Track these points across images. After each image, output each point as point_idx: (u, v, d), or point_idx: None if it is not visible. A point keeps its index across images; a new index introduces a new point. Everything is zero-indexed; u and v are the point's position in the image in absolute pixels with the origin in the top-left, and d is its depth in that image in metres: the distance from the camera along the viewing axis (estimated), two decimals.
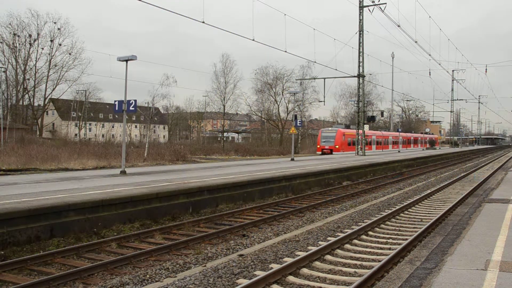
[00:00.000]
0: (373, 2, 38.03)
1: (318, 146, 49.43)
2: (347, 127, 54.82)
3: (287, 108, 68.41)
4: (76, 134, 72.69)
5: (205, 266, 8.20)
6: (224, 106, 66.44)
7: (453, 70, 78.51)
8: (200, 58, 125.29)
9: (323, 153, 47.00)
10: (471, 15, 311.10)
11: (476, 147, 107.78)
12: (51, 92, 63.40)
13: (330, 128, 52.55)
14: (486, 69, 65.37)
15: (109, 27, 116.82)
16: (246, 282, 7.01)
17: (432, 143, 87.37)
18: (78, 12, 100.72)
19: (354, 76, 41.71)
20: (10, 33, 56.86)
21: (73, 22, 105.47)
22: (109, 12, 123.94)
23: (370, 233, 11.23)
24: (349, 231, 10.78)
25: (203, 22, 20.55)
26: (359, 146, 43.48)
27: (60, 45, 59.51)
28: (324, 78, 41.90)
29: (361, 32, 39.98)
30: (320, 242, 10.06)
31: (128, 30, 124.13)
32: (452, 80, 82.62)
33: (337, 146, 47.42)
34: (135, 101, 18.74)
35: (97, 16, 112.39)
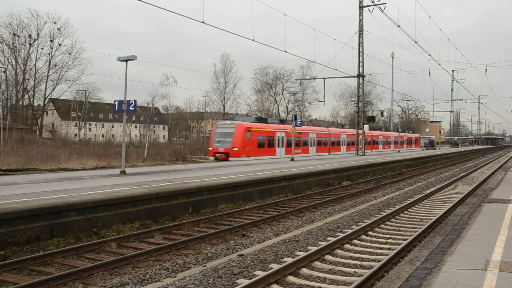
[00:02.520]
0: (373, 2, 38.06)
1: (210, 149, 33.54)
2: (261, 120, 38.42)
3: (287, 108, 68.48)
4: (76, 134, 72.69)
5: (205, 266, 8.20)
6: (224, 106, 66.53)
7: (453, 70, 78.65)
8: (199, 58, 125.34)
9: (216, 159, 31.95)
10: (471, 15, 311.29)
11: (476, 147, 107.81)
12: (51, 92, 63.42)
13: (228, 122, 35.91)
14: (486, 69, 65.38)
15: (109, 27, 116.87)
16: (246, 282, 7.01)
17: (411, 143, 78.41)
18: (77, 12, 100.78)
19: (354, 76, 41.72)
20: (10, 33, 56.87)
21: (73, 22, 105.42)
22: (109, 12, 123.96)
23: (370, 233, 11.24)
24: (349, 231, 10.78)
25: (203, 22, 20.55)
26: (359, 146, 43.40)
27: (60, 45, 59.54)
28: (324, 78, 41.92)
29: (361, 32, 39.98)
30: (320, 242, 10.06)
31: (128, 30, 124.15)
32: (452, 80, 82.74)
33: (235, 149, 31.77)
34: (135, 101, 18.75)
35: (97, 16, 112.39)
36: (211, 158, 32.97)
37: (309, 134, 42.21)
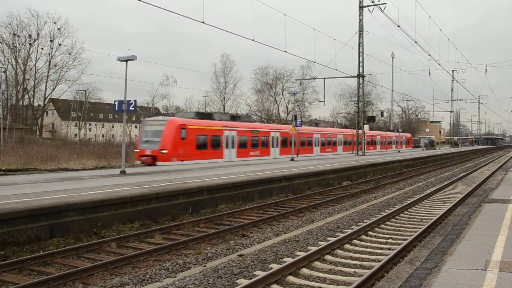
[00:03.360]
0: (373, 2, 38.05)
1: (137, 151, 27.56)
2: (204, 116, 32.10)
3: (287, 108, 68.50)
4: (76, 134, 72.68)
5: (205, 266, 8.20)
6: (224, 106, 66.56)
7: (453, 70, 78.61)
8: (199, 58, 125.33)
9: (143, 163, 26.25)
10: (471, 15, 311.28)
11: (476, 147, 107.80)
12: (51, 92, 63.42)
13: (159, 118, 30.94)
14: (486, 69, 65.30)
15: (109, 27, 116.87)
16: (246, 282, 7.01)
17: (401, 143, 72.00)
18: (77, 12, 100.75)
19: (354, 76, 41.72)
20: (10, 33, 56.88)
21: (73, 22, 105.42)
22: (109, 12, 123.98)
23: (370, 233, 11.24)
24: (349, 231, 10.78)
25: (203, 22, 20.55)
26: (359, 146, 43.37)
27: (60, 45, 59.53)
28: (324, 78, 41.91)
29: (361, 32, 39.98)
30: (320, 242, 10.06)
31: (127, 30, 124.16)
32: (452, 80, 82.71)
33: (164, 151, 25.90)
34: (135, 101, 18.76)
35: (97, 16, 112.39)
36: (138, 162, 26.91)
37: (270, 133, 36.08)
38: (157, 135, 26.51)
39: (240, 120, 35.43)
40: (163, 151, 25.94)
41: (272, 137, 36.48)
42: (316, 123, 53.28)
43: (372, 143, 58.10)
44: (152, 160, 25.89)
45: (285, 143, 38.00)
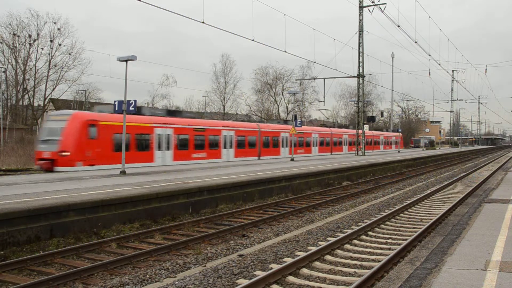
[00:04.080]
0: (373, 2, 38.06)
1: (36, 153, 23.03)
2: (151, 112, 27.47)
3: (287, 108, 68.52)
4: None
5: (205, 266, 8.21)
6: (224, 106, 66.57)
7: (453, 70, 78.64)
8: (199, 58, 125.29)
9: (41, 169, 21.49)
10: (470, 15, 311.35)
11: (476, 147, 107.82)
12: (51, 92, 63.40)
13: (62, 112, 25.61)
14: (485, 69, 65.34)
15: (109, 27, 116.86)
16: (246, 282, 7.01)
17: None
18: (77, 12, 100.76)
19: (354, 76, 41.73)
20: (10, 33, 56.86)
21: (73, 22, 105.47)
22: (109, 12, 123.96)
23: (370, 233, 11.24)
24: (349, 231, 10.78)
25: (203, 22, 20.56)
26: (359, 146, 43.36)
27: (60, 45, 59.46)
28: (324, 78, 41.92)
29: (361, 32, 40.00)
30: (320, 242, 10.06)
31: (127, 30, 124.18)
32: (452, 80, 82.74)
33: (65, 153, 21.06)
34: (135, 101, 18.78)
35: (97, 16, 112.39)
36: (37, 167, 22.17)
37: (221, 132, 31.03)
38: (56, 134, 21.40)
39: (181, 115, 29.97)
40: (64, 154, 20.92)
41: (225, 136, 31.21)
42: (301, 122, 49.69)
43: (353, 143, 51.22)
44: (50, 164, 20.97)
45: (242, 144, 32.45)
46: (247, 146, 33.44)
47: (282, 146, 38.16)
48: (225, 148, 31.18)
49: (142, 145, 24.64)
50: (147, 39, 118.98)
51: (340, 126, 61.50)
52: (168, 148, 26.12)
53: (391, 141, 67.81)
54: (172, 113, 29.96)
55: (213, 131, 30.24)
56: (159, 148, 25.62)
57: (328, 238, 10.47)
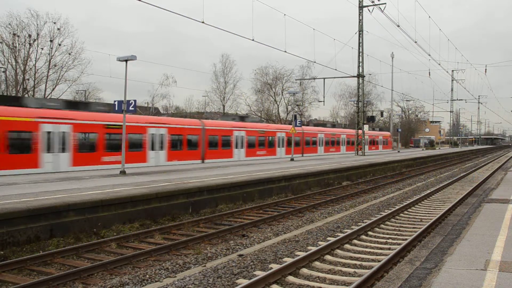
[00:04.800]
0: (372, 2, 38.07)
1: None
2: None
3: (287, 108, 68.45)
4: None
5: (204, 266, 8.21)
6: (223, 106, 66.55)
7: (452, 70, 78.67)
8: (199, 58, 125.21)
9: None
10: (470, 15, 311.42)
11: (475, 147, 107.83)
12: (51, 92, 63.37)
13: None
14: (485, 69, 65.34)
15: (108, 27, 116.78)
16: (245, 282, 7.01)
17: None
18: (77, 12, 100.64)
19: (354, 76, 41.73)
20: (10, 33, 56.84)
21: (72, 22, 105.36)
22: (109, 12, 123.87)
23: (370, 233, 11.24)
24: (349, 231, 10.78)
25: (203, 22, 20.55)
26: (358, 146, 43.31)
27: (59, 45, 59.41)
28: (324, 78, 41.90)
29: (360, 32, 40.01)
30: (319, 242, 10.06)
31: (127, 30, 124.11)
32: (452, 80, 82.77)
33: None
34: (135, 101, 18.79)
35: (97, 16, 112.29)
36: None
37: (159, 129, 25.58)
38: None
39: (87, 108, 23.68)
40: None
41: (150, 135, 25.18)
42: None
43: (336, 143, 46.15)
44: None
45: (152, 143, 25.24)
46: (181, 146, 27.73)
47: (236, 147, 32.65)
48: (148, 148, 25.01)
49: (22, 147, 19.44)
50: (147, 39, 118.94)
51: (317, 125, 52.88)
52: (63, 150, 20.76)
53: (378, 140, 61.07)
54: (74, 105, 23.84)
55: (135, 128, 24.09)
56: (49, 150, 20.18)
57: (328, 238, 10.47)
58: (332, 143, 47.41)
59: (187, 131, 28.06)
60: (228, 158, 31.58)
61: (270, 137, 36.41)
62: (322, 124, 57.65)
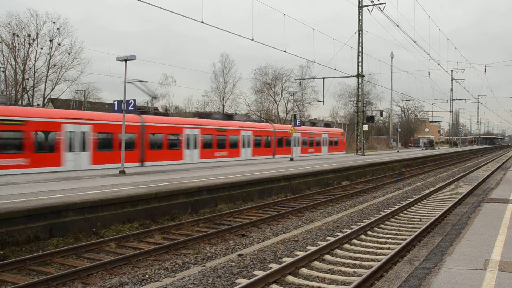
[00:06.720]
0: (372, 2, 38.10)
1: None
2: None
3: (286, 108, 68.45)
4: None
5: (204, 266, 8.20)
6: (223, 106, 66.53)
7: (452, 70, 78.75)
8: (198, 58, 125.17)
9: None
10: (470, 14, 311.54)
11: (475, 147, 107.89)
12: (50, 92, 63.36)
13: None
14: (485, 69, 65.39)
15: (107, 27, 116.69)
16: (245, 282, 7.01)
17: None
18: (75, 12, 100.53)
19: (353, 76, 41.75)
20: (9, 33, 56.80)
21: (72, 22, 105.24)
22: (107, 12, 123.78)
23: (369, 233, 11.24)
24: (348, 231, 10.78)
25: (202, 22, 20.54)
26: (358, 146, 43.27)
27: (59, 45, 59.38)
28: (323, 78, 41.91)
29: (360, 32, 40.03)
30: (319, 242, 10.06)
31: (126, 29, 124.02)
32: (451, 80, 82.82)
33: None
34: (134, 101, 18.77)
35: (95, 16, 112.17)
36: None
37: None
38: None
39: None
40: None
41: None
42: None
43: (257, 144, 34.82)
44: None
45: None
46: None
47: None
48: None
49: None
50: (146, 39, 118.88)
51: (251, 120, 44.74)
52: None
53: (320, 140, 44.37)
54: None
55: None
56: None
57: (328, 238, 10.47)
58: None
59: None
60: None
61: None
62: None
